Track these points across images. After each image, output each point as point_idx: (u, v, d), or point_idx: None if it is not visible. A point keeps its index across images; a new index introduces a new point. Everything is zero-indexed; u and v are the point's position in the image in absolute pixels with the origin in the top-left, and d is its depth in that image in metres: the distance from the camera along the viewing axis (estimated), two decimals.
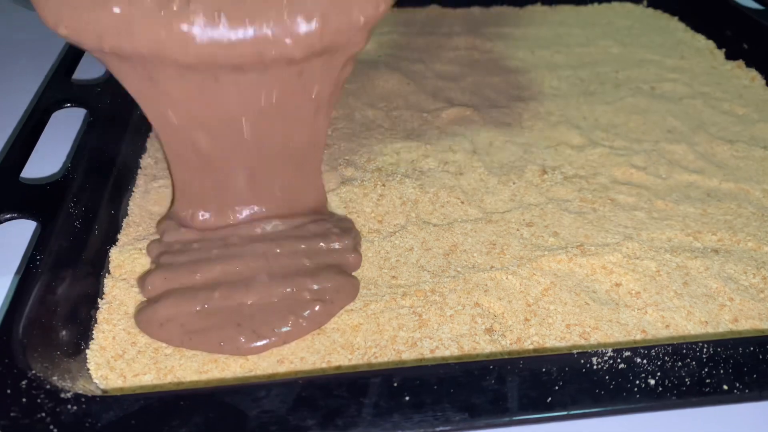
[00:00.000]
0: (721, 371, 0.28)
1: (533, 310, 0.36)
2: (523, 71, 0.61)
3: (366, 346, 0.33)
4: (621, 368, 0.28)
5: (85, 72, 0.50)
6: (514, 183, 0.46)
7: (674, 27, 0.71)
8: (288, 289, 0.34)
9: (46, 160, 0.45)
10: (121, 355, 0.33)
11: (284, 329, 0.33)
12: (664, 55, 0.64)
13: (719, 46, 0.65)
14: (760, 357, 0.29)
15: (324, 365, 0.33)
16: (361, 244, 0.40)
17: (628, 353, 0.29)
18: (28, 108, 0.46)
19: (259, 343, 0.32)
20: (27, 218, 0.36)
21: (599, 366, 0.28)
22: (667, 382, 0.28)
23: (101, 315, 0.35)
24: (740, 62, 0.62)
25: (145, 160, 0.46)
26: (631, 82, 0.60)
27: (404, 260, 0.39)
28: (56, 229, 0.36)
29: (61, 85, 0.48)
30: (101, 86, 0.48)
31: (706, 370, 0.28)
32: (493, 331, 0.35)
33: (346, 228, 0.40)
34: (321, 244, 0.38)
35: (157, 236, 0.39)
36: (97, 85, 0.48)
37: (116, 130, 0.46)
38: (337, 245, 0.38)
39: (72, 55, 0.51)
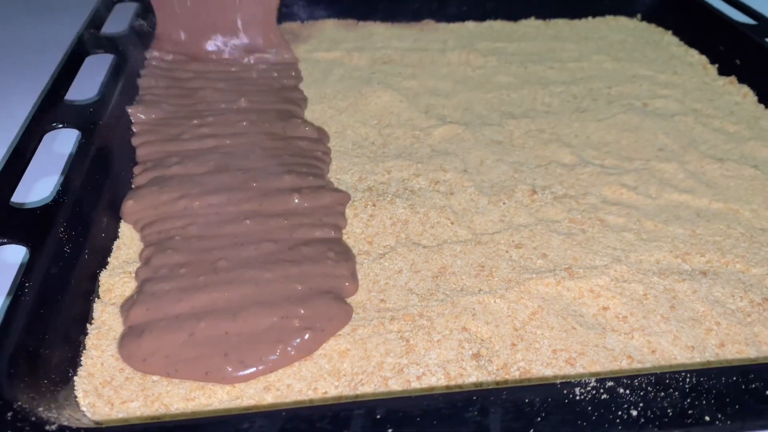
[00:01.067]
0: (704, 402, 0.28)
1: (520, 334, 0.36)
2: (516, 87, 0.61)
3: (353, 372, 0.34)
4: (604, 399, 0.28)
5: (78, 93, 0.50)
6: (504, 203, 0.46)
7: (668, 41, 0.71)
8: (277, 317, 0.35)
9: (37, 182, 0.45)
10: (109, 382, 0.33)
11: (272, 358, 0.33)
12: (657, 71, 0.65)
13: (712, 61, 0.66)
14: (743, 387, 0.29)
15: (310, 392, 0.33)
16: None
17: (611, 383, 0.29)
18: (20, 129, 0.46)
19: (246, 372, 0.32)
20: (16, 243, 0.37)
21: (582, 396, 0.28)
22: (649, 413, 0.28)
23: (90, 341, 0.35)
24: (732, 78, 0.62)
25: (136, 182, 0.46)
26: (623, 98, 0.60)
27: (393, 283, 0.39)
28: (45, 254, 0.36)
29: (54, 106, 0.48)
30: (94, 107, 0.48)
31: (688, 400, 0.28)
32: (480, 356, 0.35)
33: (342, 252, 0.40)
34: (315, 269, 0.38)
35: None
36: (90, 106, 0.48)
37: (108, 152, 0.46)
38: (333, 271, 0.39)
39: (65, 75, 0.51)
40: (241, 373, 0.32)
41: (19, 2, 0.80)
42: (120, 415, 0.32)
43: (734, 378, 0.29)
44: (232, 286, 0.36)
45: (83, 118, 0.47)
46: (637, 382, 0.29)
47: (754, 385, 0.29)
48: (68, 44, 0.56)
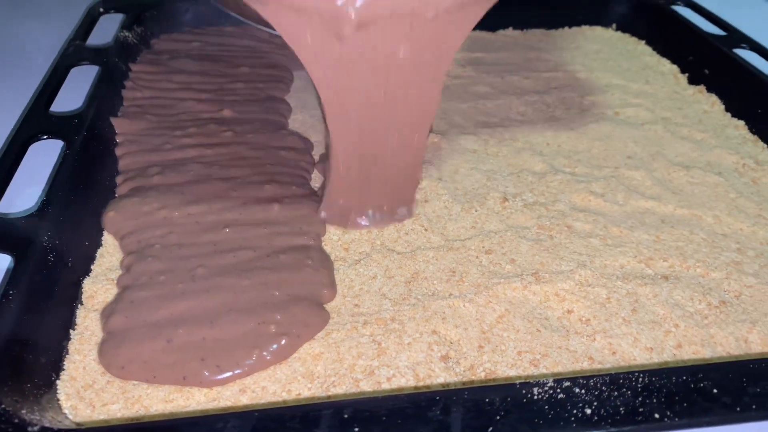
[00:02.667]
0: (654, 400, 0.30)
1: (487, 337, 0.38)
2: (492, 97, 0.63)
3: (326, 374, 0.35)
4: (560, 398, 0.30)
5: (63, 103, 0.51)
6: (476, 210, 0.48)
7: (641, 51, 0.73)
8: (254, 324, 0.36)
9: (23, 193, 0.46)
10: (91, 385, 0.34)
11: (248, 362, 0.34)
12: (630, 80, 0.66)
13: (683, 71, 0.68)
14: (692, 386, 0.31)
15: (285, 394, 0.34)
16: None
17: (567, 383, 0.30)
18: (5, 140, 0.47)
19: (222, 376, 0.33)
20: (1, 252, 0.38)
21: (540, 396, 0.30)
22: (602, 411, 0.29)
23: (72, 345, 0.36)
24: (701, 87, 0.64)
25: (119, 191, 0.48)
26: (595, 107, 0.62)
27: (367, 288, 0.41)
28: (29, 263, 0.37)
29: (39, 116, 0.49)
30: (79, 118, 0.49)
31: (640, 399, 0.30)
32: (449, 358, 0.36)
33: (321, 259, 0.42)
34: (294, 276, 0.40)
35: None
36: (75, 117, 0.49)
37: (91, 162, 0.47)
38: (311, 278, 0.40)
39: (51, 86, 0.52)
40: (218, 377, 0.33)
41: (5, 7, 0.81)
42: (101, 417, 0.33)
43: (684, 377, 0.31)
44: (210, 293, 0.37)
45: (68, 128, 0.48)
46: (593, 382, 0.31)
47: (702, 384, 0.31)
48: (54, 52, 0.58)
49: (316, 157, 0.53)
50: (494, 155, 0.54)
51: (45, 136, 0.48)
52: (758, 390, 0.30)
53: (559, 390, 0.30)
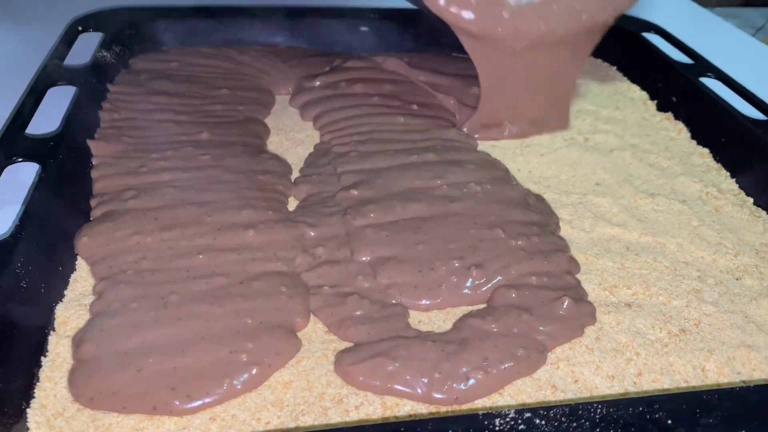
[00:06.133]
0: (611, 431, 0.31)
1: None
2: None
3: (295, 403, 0.36)
4: (521, 429, 0.31)
5: (40, 124, 0.52)
6: None
7: (613, 76, 0.75)
8: (225, 352, 0.36)
9: None
10: (61, 413, 0.35)
11: (218, 392, 0.35)
12: (600, 105, 0.68)
13: (652, 97, 0.70)
14: (647, 417, 0.32)
15: (254, 422, 0.35)
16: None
17: (528, 414, 0.32)
18: None
19: (191, 405, 0.34)
20: None
21: (501, 427, 0.31)
22: None
23: (44, 373, 0.37)
24: (669, 114, 0.66)
25: (93, 215, 0.48)
26: (566, 132, 0.63)
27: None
28: (2, 288, 0.37)
29: (15, 139, 0.49)
30: (55, 141, 0.50)
31: (598, 430, 0.31)
32: None
33: (295, 287, 0.42)
34: (267, 303, 0.40)
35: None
36: (51, 139, 0.50)
37: (67, 185, 0.47)
38: (285, 305, 0.40)
39: (27, 107, 0.53)
40: (187, 406, 0.34)
41: None
42: None
43: (640, 408, 0.32)
44: (182, 321, 0.38)
45: (43, 151, 0.48)
46: (553, 413, 0.32)
47: (657, 416, 0.32)
48: (32, 70, 0.58)
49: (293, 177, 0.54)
50: None
51: (20, 159, 0.48)
52: (710, 420, 0.32)
53: (520, 421, 0.31)
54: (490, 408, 0.36)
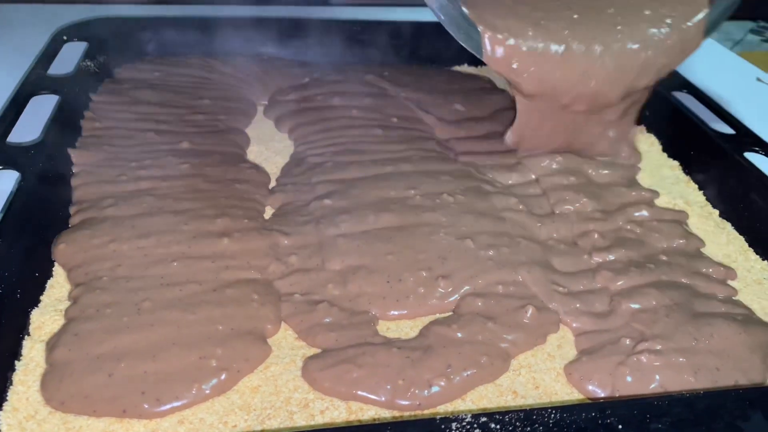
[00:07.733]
0: None
1: None
2: None
3: (262, 407, 0.37)
4: None
5: (22, 132, 0.53)
6: None
7: None
8: (195, 358, 0.38)
9: None
10: (33, 416, 0.36)
11: (187, 396, 0.36)
12: None
13: None
14: (599, 422, 0.33)
15: (221, 426, 0.36)
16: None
17: (484, 419, 0.33)
18: None
19: (161, 409, 0.35)
20: None
21: (458, 431, 0.32)
22: None
23: (17, 377, 0.38)
24: (642, 127, 0.68)
25: (71, 222, 0.49)
26: None
27: None
28: None
29: None
30: (35, 149, 0.51)
31: None
32: None
33: (267, 294, 0.43)
34: (239, 310, 0.41)
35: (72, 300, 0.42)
36: (31, 148, 0.51)
37: (47, 193, 0.48)
38: (256, 312, 0.41)
39: (10, 116, 0.54)
40: (157, 409, 0.35)
41: None
42: None
43: (593, 414, 0.33)
44: (155, 327, 0.39)
45: (24, 159, 0.49)
46: (508, 417, 0.33)
47: (609, 420, 0.33)
48: (16, 77, 0.59)
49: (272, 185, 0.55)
50: None
51: (0, 167, 0.49)
52: (659, 426, 0.33)
53: (476, 425, 0.32)
54: (451, 413, 0.37)
